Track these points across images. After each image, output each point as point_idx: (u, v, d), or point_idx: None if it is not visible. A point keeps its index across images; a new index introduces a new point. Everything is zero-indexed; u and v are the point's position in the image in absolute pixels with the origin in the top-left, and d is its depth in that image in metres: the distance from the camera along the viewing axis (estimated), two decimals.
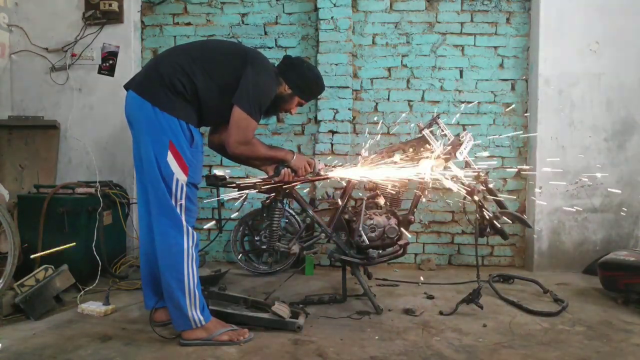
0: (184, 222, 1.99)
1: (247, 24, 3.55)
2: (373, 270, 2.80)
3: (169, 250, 1.98)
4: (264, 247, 2.57)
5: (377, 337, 2.12)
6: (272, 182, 2.35)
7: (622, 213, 3.30)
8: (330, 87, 3.42)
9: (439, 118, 2.67)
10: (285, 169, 2.33)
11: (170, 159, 1.96)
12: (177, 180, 1.98)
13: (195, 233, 2.04)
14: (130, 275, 3.09)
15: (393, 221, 2.48)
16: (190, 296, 1.99)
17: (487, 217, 2.57)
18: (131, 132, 2.12)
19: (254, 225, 3.35)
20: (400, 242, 2.49)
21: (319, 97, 3.40)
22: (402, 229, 2.49)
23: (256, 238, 3.29)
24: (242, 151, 2.13)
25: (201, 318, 2.02)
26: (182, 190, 2.00)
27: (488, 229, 2.66)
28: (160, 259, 2.00)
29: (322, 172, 2.45)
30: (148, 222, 2.12)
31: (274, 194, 2.48)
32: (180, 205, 2.00)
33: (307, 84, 2.32)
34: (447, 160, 2.53)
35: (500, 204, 2.73)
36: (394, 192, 2.55)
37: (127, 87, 2.09)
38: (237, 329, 2.09)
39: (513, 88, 3.49)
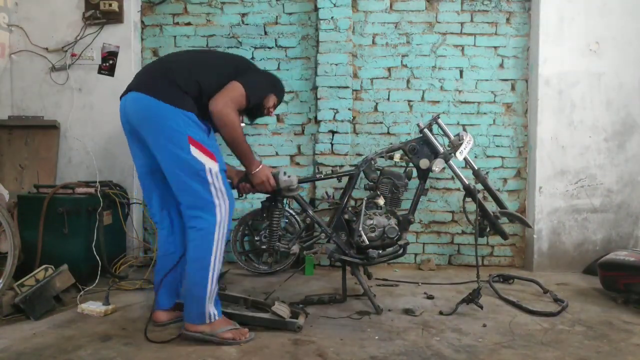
0: (218, 214, 1.97)
1: (247, 24, 3.55)
2: (373, 270, 2.80)
3: (201, 242, 1.97)
4: (264, 247, 2.57)
5: (377, 337, 2.12)
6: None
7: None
8: (330, 87, 3.43)
9: (439, 118, 2.67)
10: (243, 184, 2.28)
11: (195, 152, 1.94)
12: (211, 170, 1.96)
13: (227, 227, 2.03)
14: (130, 275, 3.09)
15: (393, 221, 2.48)
16: (211, 290, 2.00)
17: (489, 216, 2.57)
18: (132, 136, 2.08)
19: (254, 225, 3.35)
20: (400, 242, 2.49)
21: (319, 97, 3.42)
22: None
23: (256, 238, 3.29)
24: (226, 114, 1.97)
25: (215, 313, 2.03)
26: (218, 178, 1.98)
27: (488, 229, 2.66)
28: (189, 250, 1.99)
29: (291, 187, 2.35)
30: (169, 223, 2.16)
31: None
32: (221, 192, 1.98)
33: (276, 82, 2.35)
34: (447, 159, 2.54)
35: (500, 204, 2.73)
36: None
37: (126, 92, 2.05)
38: (239, 327, 2.09)
39: (513, 88, 3.49)
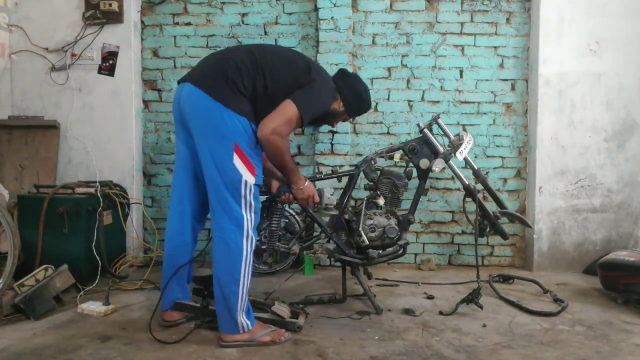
0: (246, 226, 1.97)
1: (247, 24, 3.55)
2: (373, 270, 2.80)
3: (229, 254, 1.96)
4: (264, 247, 2.57)
5: (377, 337, 2.12)
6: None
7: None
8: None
9: (439, 118, 2.67)
10: (287, 194, 2.29)
11: (237, 161, 1.92)
12: (246, 182, 1.94)
13: (254, 238, 2.01)
14: (130, 275, 3.09)
15: (393, 221, 2.48)
16: (242, 301, 1.98)
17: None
18: (180, 124, 2.06)
19: None
20: (400, 242, 2.49)
21: None
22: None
23: (256, 238, 3.28)
24: (274, 140, 1.93)
25: (248, 323, 2.01)
26: (251, 191, 1.97)
27: (488, 229, 2.66)
28: (217, 262, 1.98)
29: (329, 206, 2.41)
30: (181, 222, 2.15)
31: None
32: (250, 205, 1.97)
33: (360, 104, 2.31)
34: (447, 159, 2.54)
35: (500, 204, 2.73)
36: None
37: (185, 80, 2.01)
38: (275, 329, 2.09)
39: (513, 88, 3.49)
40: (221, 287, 1.98)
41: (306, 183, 2.20)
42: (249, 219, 1.98)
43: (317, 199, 2.27)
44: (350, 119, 2.37)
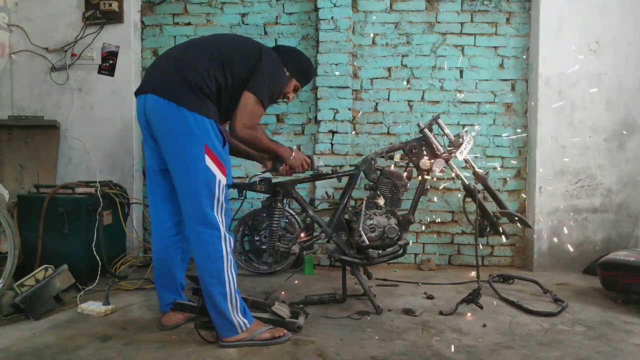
0: (222, 228, 1.98)
1: (247, 24, 3.55)
2: (373, 270, 2.80)
3: (209, 257, 1.96)
4: (264, 247, 2.57)
5: (377, 337, 2.12)
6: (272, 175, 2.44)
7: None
8: (330, 87, 3.43)
9: (439, 118, 2.67)
10: (283, 165, 2.36)
11: (209, 162, 1.94)
12: (220, 183, 1.97)
13: (231, 237, 2.02)
14: (130, 275, 3.09)
15: (393, 221, 2.48)
16: (232, 301, 1.98)
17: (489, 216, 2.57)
18: (147, 136, 2.07)
19: (254, 225, 3.35)
20: (400, 242, 2.49)
21: (319, 97, 3.43)
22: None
23: (256, 238, 3.29)
24: (246, 134, 2.04)
25: (245, 321, 2.01)
26: (223, 192, 1.99)
27: (488, 229, 2.66)
28: (200, 267, 1.98)
29: (321, 170, 2.48)
30: (164, 228, 2.15)
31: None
32: (222, 207, 1.99)
33: (304, 67, 2.37)
34: (447, 159, 2.54)
35: (500, 204, 2.73)
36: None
37: (145, 91, 2.00)
38: (274, 327, 2.09)
39: (513, 88, 3.49)
40: (209, 291, 1.98)
41: (294, 153, 2.32)
42: (221, 221, 1.99)
43: (308, 160, 2.41)
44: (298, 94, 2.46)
